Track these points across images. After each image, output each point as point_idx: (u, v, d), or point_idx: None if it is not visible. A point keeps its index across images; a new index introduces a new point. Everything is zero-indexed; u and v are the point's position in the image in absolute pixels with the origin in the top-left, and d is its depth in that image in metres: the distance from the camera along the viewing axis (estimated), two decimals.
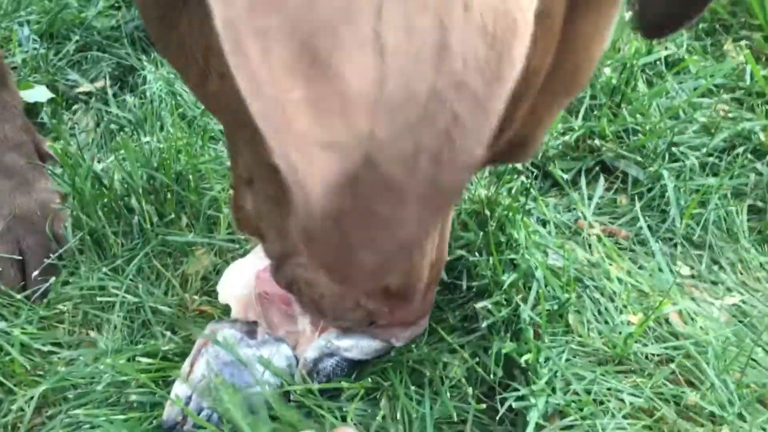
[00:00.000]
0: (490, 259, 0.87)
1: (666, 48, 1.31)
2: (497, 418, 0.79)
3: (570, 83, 0.51)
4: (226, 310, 0.90)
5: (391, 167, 0.33)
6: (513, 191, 0.98)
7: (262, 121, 0.33)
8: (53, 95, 1.25)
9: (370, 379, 0.83)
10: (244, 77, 0.32)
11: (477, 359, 0.84)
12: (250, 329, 0.85)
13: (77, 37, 1.35)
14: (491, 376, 0.81)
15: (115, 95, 1.26)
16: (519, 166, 1.07)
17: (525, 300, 0.85)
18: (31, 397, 0.83)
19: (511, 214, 0.91)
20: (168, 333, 0.89)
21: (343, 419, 0.80)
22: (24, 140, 1.06)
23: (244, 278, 0.88)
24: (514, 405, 0.77)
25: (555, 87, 0.49)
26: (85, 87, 1.28)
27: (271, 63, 0.32)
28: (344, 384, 0.81)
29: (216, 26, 0.32)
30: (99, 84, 1.29)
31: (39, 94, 1.22)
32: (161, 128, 1.15)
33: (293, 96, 0.32)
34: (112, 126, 1.20)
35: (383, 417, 0.79)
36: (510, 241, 0.90)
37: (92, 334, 0.91)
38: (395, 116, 0.32)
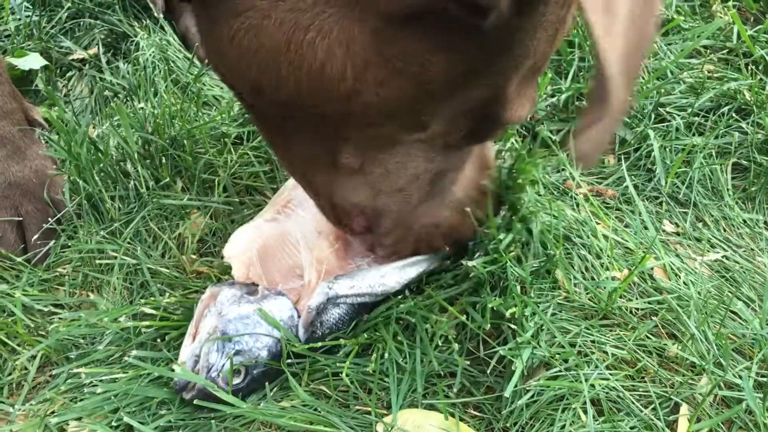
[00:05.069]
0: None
1: None
2: (486, 371, 0.82)
3: None
4: (224, 271, 0.92)
5: None
6: (503, 153, 1.00)
7: None
8: (47, 63, 1.25)
9: (365, 335, 0.86)
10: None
11: (466, 316, 0.86)
12: (250, 290, 0.87)
13: (69, 4, 1.35)
14: (480, 330, 0.84)
15: (108, 62, 1.27)
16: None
17: (514, 257, 0.87)
18: (33, 356, 0.86)
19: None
20: (168, 291, 0.91)
21: (337, 375, 0.83)
22: (13, 107, 1.05)
23: (246, 238, 0.90)
24: (501, 353, 0.80)
25: None
26: (79, 54, 1.29)
27: None
28: (341, 341, 0.84)
29: None
30: (92, 51, 1.30)
31: (33, 61, 1.23)
32: (155, 94, 1.16)
33: None
34: (106, 93, 1.21)
35: (375, 371, 0.82)
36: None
37: (92, 295, 0.93)
38: None
